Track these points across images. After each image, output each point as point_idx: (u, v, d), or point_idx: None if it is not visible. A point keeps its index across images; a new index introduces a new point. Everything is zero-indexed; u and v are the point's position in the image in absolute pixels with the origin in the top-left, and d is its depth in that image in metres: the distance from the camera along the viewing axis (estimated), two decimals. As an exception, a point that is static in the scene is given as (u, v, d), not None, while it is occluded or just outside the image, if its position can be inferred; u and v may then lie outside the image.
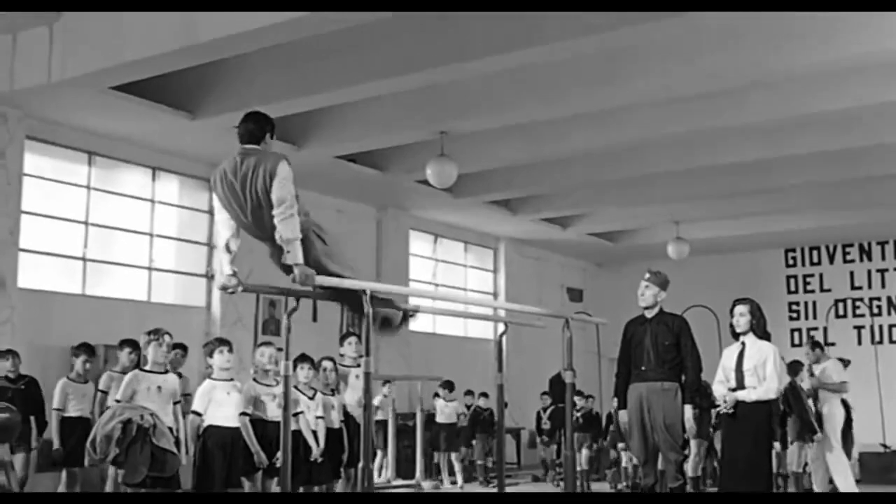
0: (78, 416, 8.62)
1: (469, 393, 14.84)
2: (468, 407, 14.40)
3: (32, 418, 8.71)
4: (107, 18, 8.86)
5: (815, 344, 11.25)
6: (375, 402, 12.27)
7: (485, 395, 14.15)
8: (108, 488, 7.60)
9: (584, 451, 13.07)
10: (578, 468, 12.46)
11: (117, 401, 6.85)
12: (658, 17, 8.18)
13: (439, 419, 13.47)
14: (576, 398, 12.63)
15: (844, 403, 10.78)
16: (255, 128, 5.90)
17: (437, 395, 13.64)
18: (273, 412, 7.44)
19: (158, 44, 8.75)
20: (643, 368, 7.63)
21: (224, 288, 5.55)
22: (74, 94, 10.40)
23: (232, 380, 7.59)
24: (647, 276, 7.83)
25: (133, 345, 8.33)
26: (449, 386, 13.70)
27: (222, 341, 7.85)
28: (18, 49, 9.55)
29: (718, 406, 7.79)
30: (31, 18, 8.99)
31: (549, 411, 14.64)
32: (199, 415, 7.24)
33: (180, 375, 8.02)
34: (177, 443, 6.87)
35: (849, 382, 10.90)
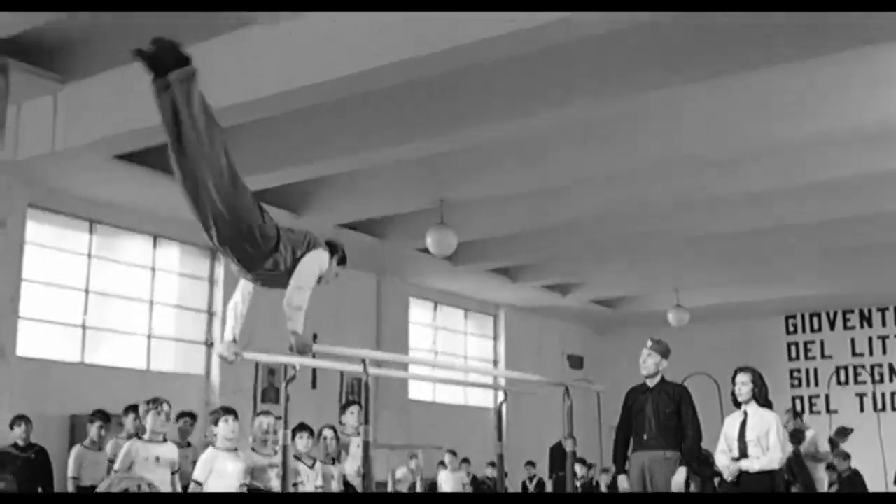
0: (92, 486, 8.39)
1: (465, 461, 14.39)
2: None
3: (40, 489, 8.53)
4: (110, 87, 8.94)
5: (795, 413, 11.13)
6: (398, 474, 11.95)
7: (493, 464, 13.69)
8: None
9: None
10: None
11: (115, 471, 6.79)
12: (657, 86, 8.26)
13: (444, 489, 13.06)
14: (577, 467, 12.49)
15: (831, 467, 10.69)
16: None
17: (441, 464, 13.42)
18: (273, 482, 7.37)
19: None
20: (645, 437, 7.57)
21: (223, 357, 5.54)
22: (77, 163, 10.46)
23: (235, 450, 7.53)
24: (650, 344, 7.81)
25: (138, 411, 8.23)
26: (453, 454, 13.42)
27: (228, 410, 7.78)
28: (23, 118, 9.63)
29: (720, 474, 7.71)
30: (36, 88, 9.08)
31: (534, 481, 14.41)
32: (199, 484, 7.17)
33: (189, 444, 7.93)
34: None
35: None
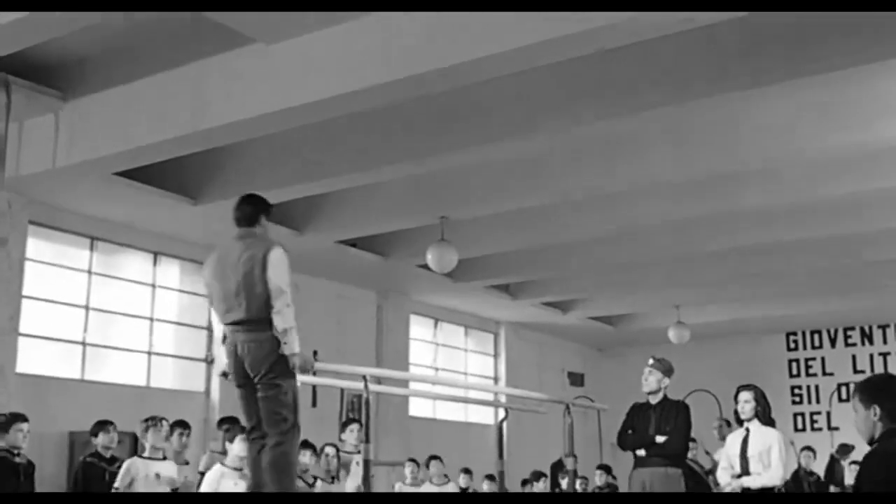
0: None
1: (467, 471, 13.36)
2: (463, 490, 12.91)
3: None
4: (112, 105, 8.97)
5: (727, 422, 10.88)
6: (398, 487, 11.32)
7: (491, 477, 12.76)
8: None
9: None
10: None
11: (116, 488, 6.77)
12: (657, 105, 8.28)
13: None
14: (537, 484, 12.29)
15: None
16: (251, 210, 5.90)
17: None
18: (273, 500, 7.34)
19: (162, 131, 8.84)
20: (646, 454, 7.55)
21: (224, 375, 5.53)
22: (78, 180, 10.47)
23: (242, 469, 7.50)
24: (651, 362, 7.80)
25: (183, 425, 8.14)
26: (439, 460, 11.82)
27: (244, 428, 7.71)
28: (24, 136, 9.64)
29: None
30: (37, 107, 9.10)
31: None
32: (204, 504, 7.15)
33: (187, 463, 7.87)
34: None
35: None
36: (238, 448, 7.45)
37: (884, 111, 8.86)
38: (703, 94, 7.95)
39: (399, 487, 11.22)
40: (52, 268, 12.00)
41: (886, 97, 8.65)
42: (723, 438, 10.43)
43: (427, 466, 11.51)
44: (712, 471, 10.13)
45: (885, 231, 12.86)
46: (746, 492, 7.19)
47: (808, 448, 11.84)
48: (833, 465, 11.86)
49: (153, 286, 13.20)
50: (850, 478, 10.50)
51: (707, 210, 11.97)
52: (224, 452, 7.79)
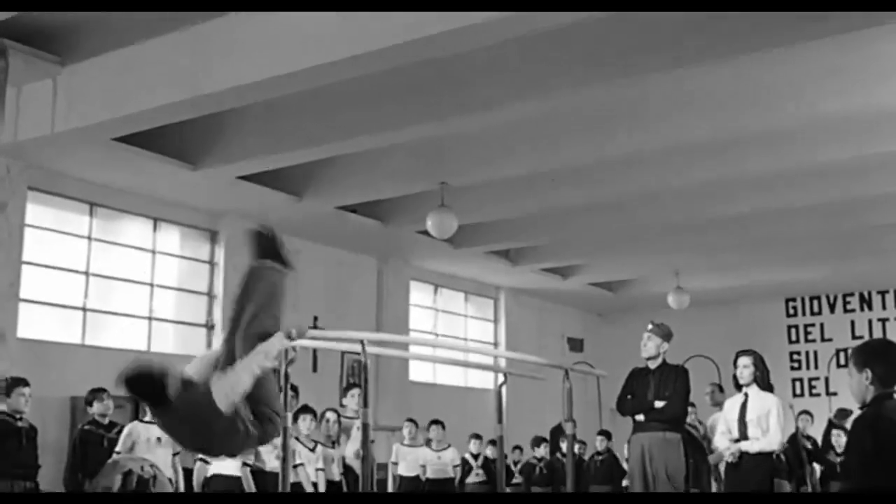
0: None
1: (477, 437, 12.97)
2: (475, 456, 12.78)
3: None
4: (110, 70, 8.93)
5: (720, 388, 10.84)
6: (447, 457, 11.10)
7: (493, 442, 12.32)
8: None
9: None
10: None
11: (117, 452, 6.81)
12: (658, 70, 8.25)
13: (430, 475, 11.14)
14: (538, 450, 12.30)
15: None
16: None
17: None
18: (272, 464, 7.40)
19: (161, 96, 8.82)
20: (645, 419, 7.58)
21: None
22: (77, 146, 10.45)
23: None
24: (650, 327, 7.82)
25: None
26: (441, 426, 11.50)
27: None
28: (23, 101, 9.61)
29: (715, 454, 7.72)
30: (35, 72, 9.06)
31: (519, 465, 14.04)
32: (206, 462, 7.19)
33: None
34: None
35: None
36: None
37: (885, 75, 8.83)
38: (704, 59, 7.91)
39: (396, 448, 11.16)
40: (51, 233, 12.01)
41: (888, 61, 8.61)
42: (715, 404, 10.49)
43: (427, 430, 11.50)
44: (705, 437, 10.18)
45: (885, 196, 12.84)
46: (745, 455, 7.22)
47: (806, 412, 11.89)
48: (831, 430, 11.91)
49: (153, 252, 13.21)
50: (836, 444, 10.51)
51: (708, 176, 11.94)
52: None
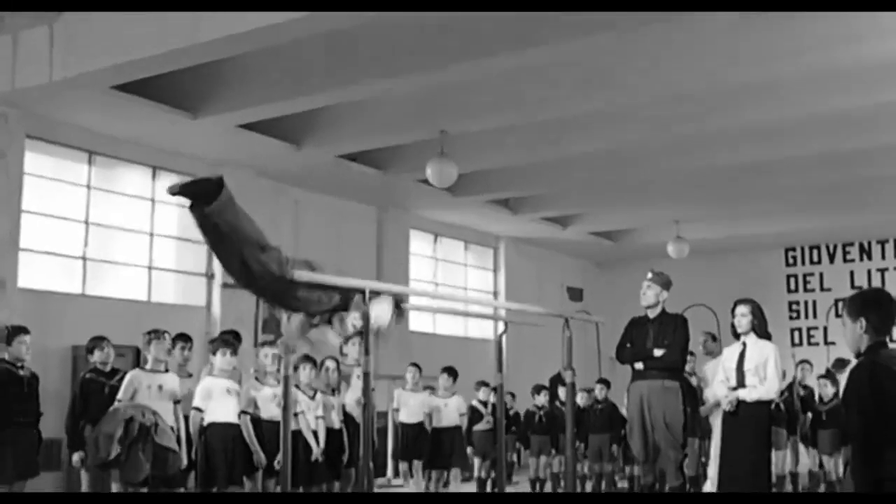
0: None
1: (485, 384, 12.48)
2: (484, 403, 12.33)
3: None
4: (108, 18, 8.86)
5: (711, 336, 10.81)
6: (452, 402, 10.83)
7: (486, 384, 12.38)
8: (114, 488, 7.56)
9: (543, 458, 12.03)
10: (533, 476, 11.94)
11: (119, 400, 6.85)
12: (658, 19, 8.18)
13: (437, 423, 10.90)
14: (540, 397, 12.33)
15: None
16: None
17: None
18: (272, 412, 7.43)
19: (160, 43, 8.76)
20: (644, 367, 7.61)
21: None
22: (75, 94, 10.39)
23: (230, 378, 7.59)
24: (650, 276, 7.83)
25: (185, 338, 8.15)
26: (452, 375, 11.21)
27: (227, 342, 7.78)
28: (20, 48, 9.54)
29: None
30: (31, 18, 8.98)
31: (511, 412, 13.82)
32: (200, 411, 7.23)
33: (189, 375, 7.94)
34: (177, 441, 6.86)
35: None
36: (221, 362, 7.51)
37: (884, 27, 8.74)
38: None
39: (398, 394, 11.01)
40: (50, 182, 11.98)
41: (890, 14, 8.52)
42: (708, 353, 10.52)
43: (438, 378, 11.32)
44: (697, 387, 10.21)
45: (885, 146, 12.80)
46: (742, 404, 7.26)
47: (806, 361, 11.94)
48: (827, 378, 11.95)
49: (152, 201, 13.19)
50: (823, 394, 10.54)
51: (708, 125, 11.90)
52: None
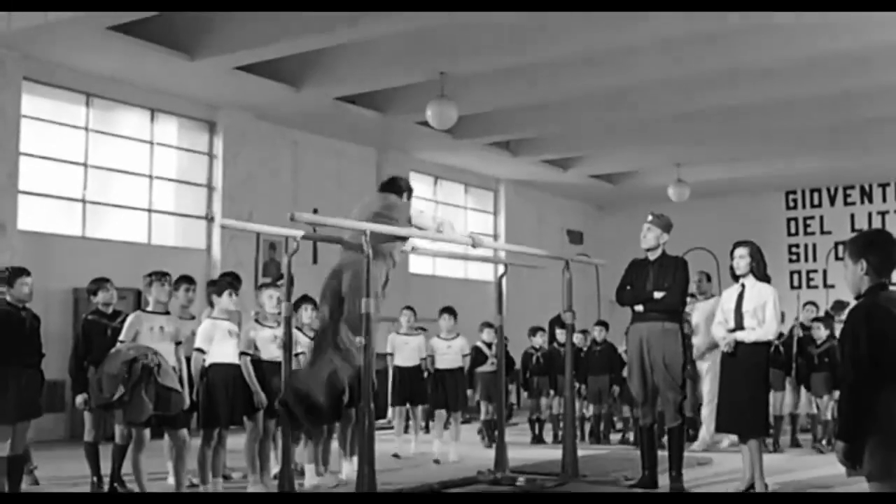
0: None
1: (489, 325, 11.67)
2: (488, 345, 11.72)
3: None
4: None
5: (706, 276, 10.74)
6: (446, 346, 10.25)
7: (490, 325, 11.59)
8: (117, 429, 7.61)
9: (543, 400, 11.94)
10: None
11: (121, 341, 6.87)
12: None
13: (439, 365, 10.37)
14: (537, 338, 12.30)
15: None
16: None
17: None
18: (272, 353, 7.47)
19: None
20: (644, 309, 7.63)
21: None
22: (72, 35, 10.32)
23: (230, 320, 7.60)
24: (650, 218, 7.81)
25: (188, 280, 8.14)
26: (452, 314, 10.63)
27: (235, 285, 7.78)
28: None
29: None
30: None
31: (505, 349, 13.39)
32: (203, 352, 7.26)
33: (192, 317, 7.94)
34: (179, 382, 6.89)
35: None
36: (227, 302, 7.52)
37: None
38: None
39: (392, 338, 10.50)
40: (48, 125, 11.93)
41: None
42: (702, 293, 10.56)
43: (438, 319, 11.05)
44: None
45: (886, 87, 12.73)
46: (741, 345, 7.29)
47: (812, 303, 11.95)
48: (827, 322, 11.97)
49: (151, 143, 13.15)
50: (815, 336, 10.55)
51: (709, 67, 11.82)
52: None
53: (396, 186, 7.32)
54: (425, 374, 10.44)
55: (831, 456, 9.32)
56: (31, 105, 11.57)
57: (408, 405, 10.62)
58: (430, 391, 10.35)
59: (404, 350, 10.27)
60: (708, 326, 8.96)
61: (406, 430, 10.81)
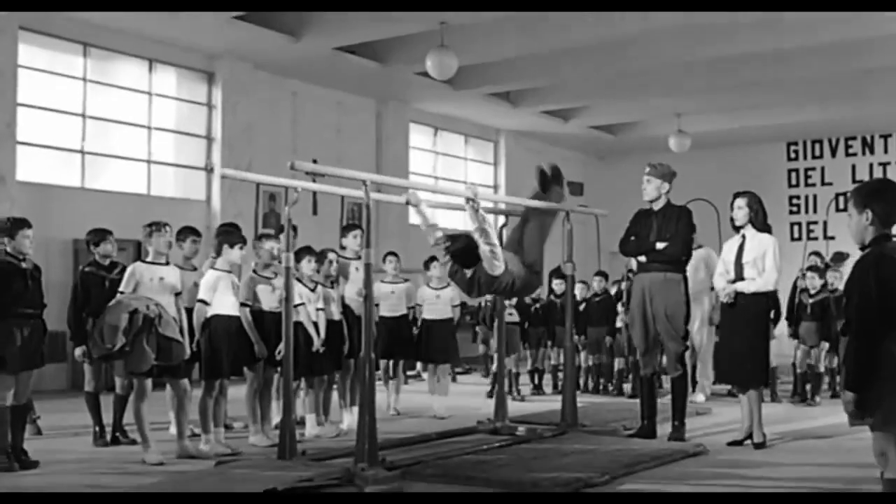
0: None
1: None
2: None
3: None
4: None
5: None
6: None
7: None
8: (118, 380, 7.64)
9: (542, 350, 11.91)
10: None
11: (121, 292, 6.88)
12: None
13: (427, 315, 9.89)
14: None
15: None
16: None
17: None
18: (272, 304, 7.48)
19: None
20: (647, 259, 7.62)
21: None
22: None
23: (231, 272, 7.60)
24: (648, 169, 7.78)
25: (194, 232, 8.12)
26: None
27: (241, 238, 7.76)
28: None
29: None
30: None
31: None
32: (206, 303, 7.27)
33: (195, 269, 7.93)
34: (180, 333, 6.91)
35: None
36: (236, 255, 7.52)
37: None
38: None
39: (378, 287, 9.34)
40: (46, 75, 11.86)
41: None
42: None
43: (426, 268, 10.68)
44: None
45: (888, 36, 12.62)
46: (741, 296, 7.30)
47: (816, 253, 11.94)
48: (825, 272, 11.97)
49: (149, 94, 13.07)
50: (809, 286, 10.54)
51: (709, 17, 11.71)
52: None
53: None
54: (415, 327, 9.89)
55: (827, 407, 9.42)
56: (27, 55, 11.49)
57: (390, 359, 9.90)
58: (416, 343, 9.98)
59: (390, 299, 9.57)
60: (694, 276, 8.96)
61: (386, 383, 9.95)
